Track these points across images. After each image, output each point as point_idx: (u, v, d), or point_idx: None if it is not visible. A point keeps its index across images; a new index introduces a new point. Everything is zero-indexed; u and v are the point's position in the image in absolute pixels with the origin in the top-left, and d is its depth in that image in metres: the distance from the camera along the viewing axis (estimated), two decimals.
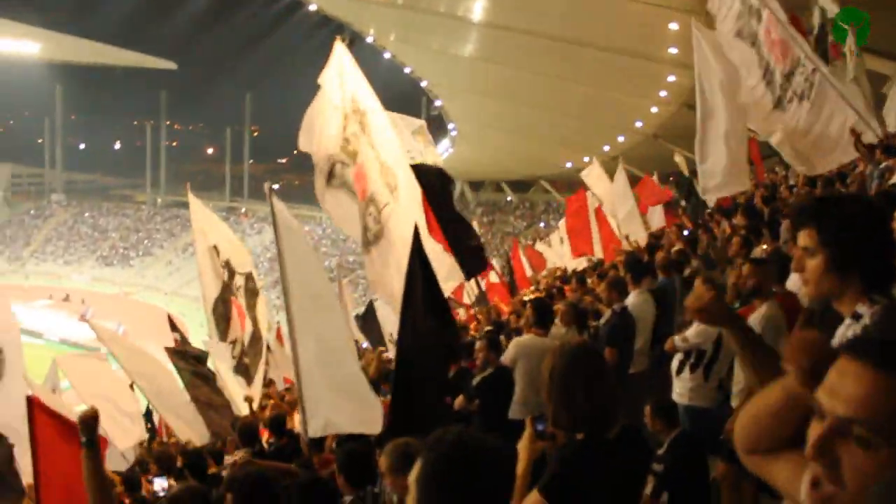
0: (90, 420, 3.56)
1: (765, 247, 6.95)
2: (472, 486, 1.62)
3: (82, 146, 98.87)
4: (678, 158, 21.39)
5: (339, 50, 8.29)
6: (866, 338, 1.18)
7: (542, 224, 55.80)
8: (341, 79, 8.29)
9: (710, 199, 10.14)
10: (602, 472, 2.54)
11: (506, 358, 6.22)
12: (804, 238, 2.18)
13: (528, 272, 18.60)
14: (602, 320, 7.13)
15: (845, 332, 2.15)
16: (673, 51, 24.04)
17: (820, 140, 8.16)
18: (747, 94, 8.81)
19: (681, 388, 5.40)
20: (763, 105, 8.75)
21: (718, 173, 8.50)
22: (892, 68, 16.96)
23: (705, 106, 8.67)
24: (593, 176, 15.92)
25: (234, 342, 10.47)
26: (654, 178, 16.48)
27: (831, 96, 8.07)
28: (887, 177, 7.70)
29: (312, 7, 38.66)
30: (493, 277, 17.05)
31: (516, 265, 18.91)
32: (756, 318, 4.68)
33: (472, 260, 8.16)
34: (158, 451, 9.94)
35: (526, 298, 11.43)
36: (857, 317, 2.12)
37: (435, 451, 1.65)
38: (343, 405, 5.74)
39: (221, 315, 10.55)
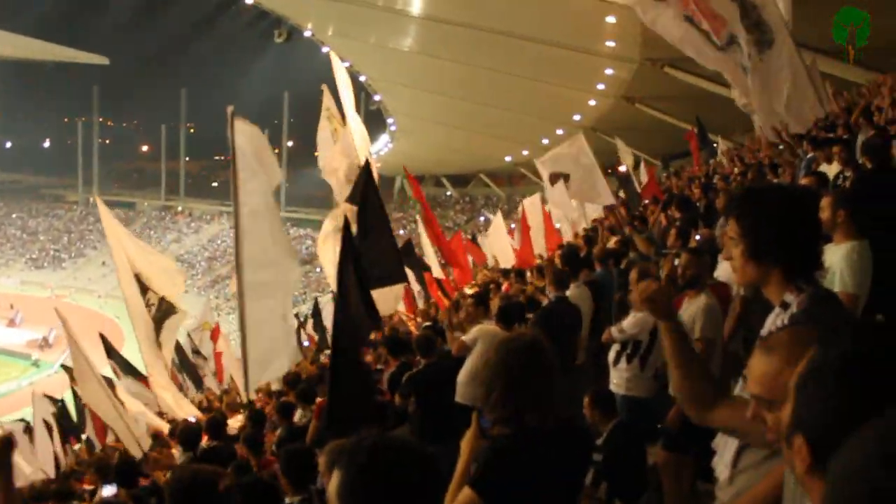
0: (4, 446, 3.39)
1: (698, 237, 7.08)
2: (394, 496, 1.56)
3: (9, 144, 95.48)
4: (620, 145, 21.66)
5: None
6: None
7: (482, 218, 55.98)
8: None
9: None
10: (535, 464, 2.51)
11: (467, 337, 6.21)
12: (730, 228, 2.26)
13: (470, 266, 18.63)
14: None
15: (774, 320, 2.20)
16: (610, 44, 24.31)
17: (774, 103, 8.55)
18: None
19: (618, 379, 5.45)
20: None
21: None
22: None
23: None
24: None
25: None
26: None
27: (773, 70, 8.37)
28: (814, 167, 7.92)
29: (249, 0, 38.04)
30: (437, 272, 17.03)
31: (460, 258, 18.89)
32: (696, 308, 4.76)
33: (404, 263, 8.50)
34: (97, 459, 9.70)
35: (468, 292, 11.44)
36: (784, 305, 2.18)
37: (352, 461, 1.58)
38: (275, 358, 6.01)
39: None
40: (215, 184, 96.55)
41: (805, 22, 16.02)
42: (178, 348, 16.82)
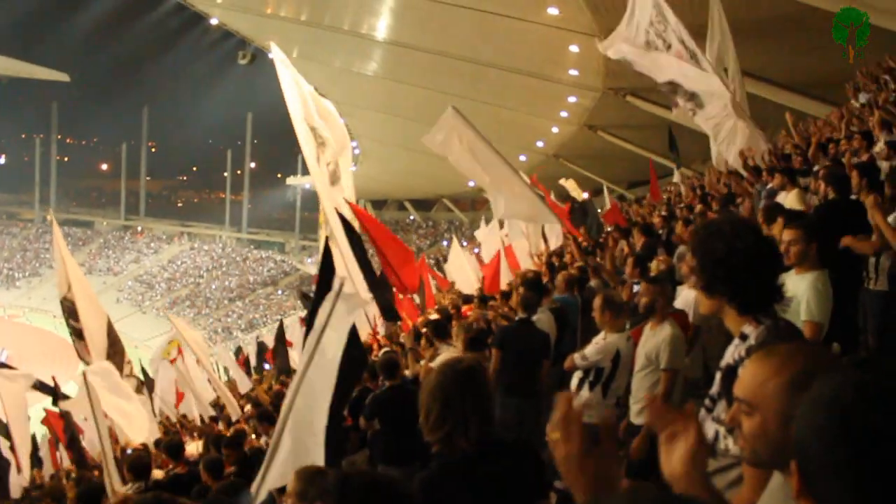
0: None
1: (660, 264, 7.15)
2: None
3: None
4: (568, 184, 21.90)
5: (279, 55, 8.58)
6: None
7: (445, 243, 56.06)
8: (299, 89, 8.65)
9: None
10: (464, 488, 2.55)
11: (435, 363, 6.20)
12: (687, 259, 2.31)
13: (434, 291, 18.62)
14: None
15: (733, 351, 2.24)
16: (574, 72, 24.66)
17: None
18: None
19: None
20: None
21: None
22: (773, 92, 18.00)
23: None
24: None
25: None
26: (552, 196, 16.85)
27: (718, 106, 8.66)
28: (774, 197, 8.09)
29: (214, 21, 37.87)
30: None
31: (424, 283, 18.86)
32: (662, 338, 4.79)
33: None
34: (50, 487, 9.48)
35: (432, 317, 11.42)
36: (743, 337, 2.21)
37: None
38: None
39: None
40: (180, 204, 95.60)
41: (765, 55, 16.50)
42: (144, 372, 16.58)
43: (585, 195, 21.33)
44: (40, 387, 12.07)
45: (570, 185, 21.70)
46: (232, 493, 4.44)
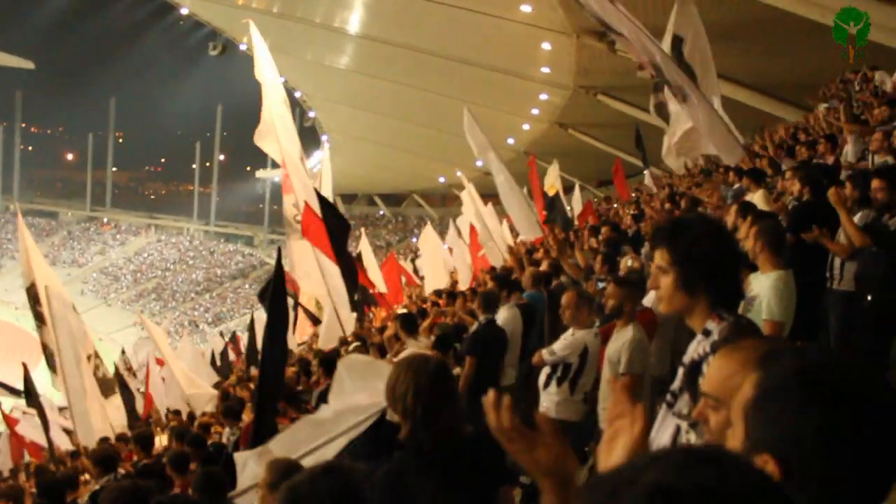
0: None
1: (630, 262, 7.15)
2: None
3: None
4: (553, 171, 21.82)
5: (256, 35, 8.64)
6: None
7: (414, 238, 56.02)
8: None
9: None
10: (427, 483, 2.57)
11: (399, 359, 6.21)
12: (658, 257, 2.30)
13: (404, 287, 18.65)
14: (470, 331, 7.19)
15: (696, 347, 2.26)
16: (545, 70, 24.77)
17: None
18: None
19: (548, 402, 5.44)
20: None
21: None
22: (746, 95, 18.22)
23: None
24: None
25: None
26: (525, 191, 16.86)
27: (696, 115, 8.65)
28: (741, 197, 8.20)
29: (184, 10, 37.48)
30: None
31: (393, 278, 18.84)
32: (623, 342, 4.75)
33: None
34: (6, 488, 9.37)
35: (401, 311, 11.45)
36: (706, 333, 2.24)
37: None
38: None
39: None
40: (148, 195, 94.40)
41: (733, 58, 16.68)
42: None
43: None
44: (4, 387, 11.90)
45: (552, 173, 21.32)
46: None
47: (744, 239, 4.53)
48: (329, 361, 7.74)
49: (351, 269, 10.42)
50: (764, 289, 4.04)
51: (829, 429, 1.10)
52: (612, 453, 1.41)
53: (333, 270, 10.05)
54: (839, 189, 5.34)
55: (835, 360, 1.20)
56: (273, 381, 5.61)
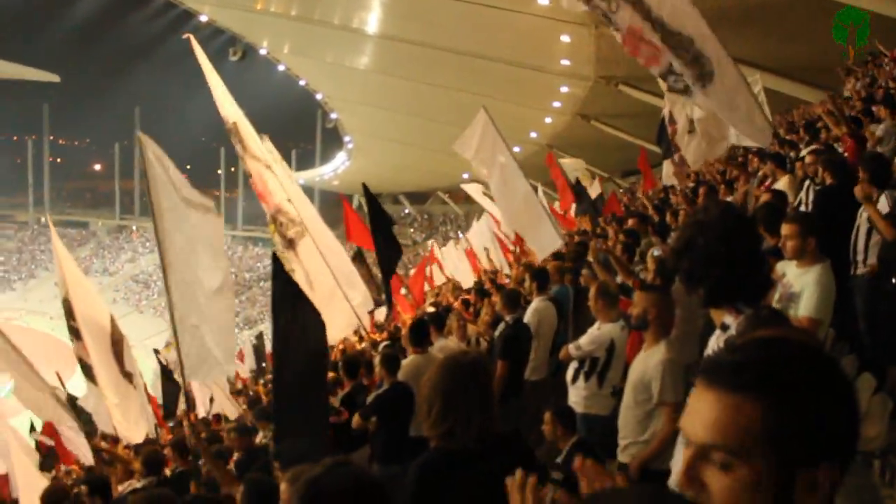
0: None
1: (657, 252, 6.73)
2: None
3: None
4: (571, 162, 21.68)
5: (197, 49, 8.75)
6: (717, 361, 1.13)
7: (440, 236, 56.07)
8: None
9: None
10: (461, 481, 2.56)
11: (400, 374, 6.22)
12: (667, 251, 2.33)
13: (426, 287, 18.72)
14: (496, 332, 7.13)
15: (715, 342, 2.26)
16: (565, 62, 24.64)
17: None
18: None
19: (576, 397, 5.42)
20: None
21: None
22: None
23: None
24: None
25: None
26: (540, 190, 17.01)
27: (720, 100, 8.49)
28: (769, 183, 8.04)
29: (203, 18, 37.73)
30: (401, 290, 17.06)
31: (421, 278, 18.84)
32: (652, 364, 4.17)
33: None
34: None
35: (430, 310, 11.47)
36: (724, 327, 2.24)
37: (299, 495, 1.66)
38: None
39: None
40: None
41: (750, 42, 16.52)
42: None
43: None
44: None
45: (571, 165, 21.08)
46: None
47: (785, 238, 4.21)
48: (352, 364, 7.69)
49: (390, 257, 10.27)
50: (807, 283, 3.90)
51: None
52: None
53: (341, 259, 9.97)
54: (865, 185, 5.20)
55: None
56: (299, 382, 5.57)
